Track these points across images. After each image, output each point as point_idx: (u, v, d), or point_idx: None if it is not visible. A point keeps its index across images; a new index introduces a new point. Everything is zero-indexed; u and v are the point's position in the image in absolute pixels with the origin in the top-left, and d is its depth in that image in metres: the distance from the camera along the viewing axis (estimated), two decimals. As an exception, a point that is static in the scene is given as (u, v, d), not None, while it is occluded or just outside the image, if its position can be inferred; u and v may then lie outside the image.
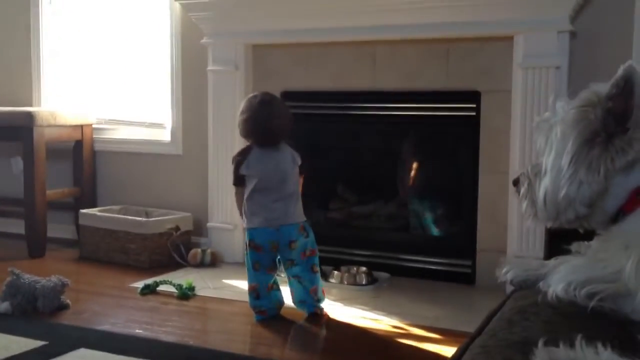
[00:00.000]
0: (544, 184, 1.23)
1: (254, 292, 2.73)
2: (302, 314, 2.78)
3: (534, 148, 1.31)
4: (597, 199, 1.19)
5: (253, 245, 2.70)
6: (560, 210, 1.21)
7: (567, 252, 1.29)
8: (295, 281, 2.77)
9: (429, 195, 3.55)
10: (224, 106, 3.59)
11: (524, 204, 1.30)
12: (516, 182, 1.34)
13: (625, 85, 1.14)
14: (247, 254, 2.74)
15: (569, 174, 1.18)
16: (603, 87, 1.18)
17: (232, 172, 2.81)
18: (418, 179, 3.63)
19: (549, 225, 1.27)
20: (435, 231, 3.51)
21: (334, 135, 3.69)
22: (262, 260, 2.70)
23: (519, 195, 1.32)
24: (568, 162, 1.18)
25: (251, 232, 2.71)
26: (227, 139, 3.59)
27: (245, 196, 2.75)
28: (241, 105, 2.81)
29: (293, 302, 2.80)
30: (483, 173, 3.19)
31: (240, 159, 2.77)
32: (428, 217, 3.52)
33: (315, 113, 3.53)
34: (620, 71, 1.15)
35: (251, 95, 2.84)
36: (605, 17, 2.98)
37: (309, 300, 2.78)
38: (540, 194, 1.24)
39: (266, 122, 2.72)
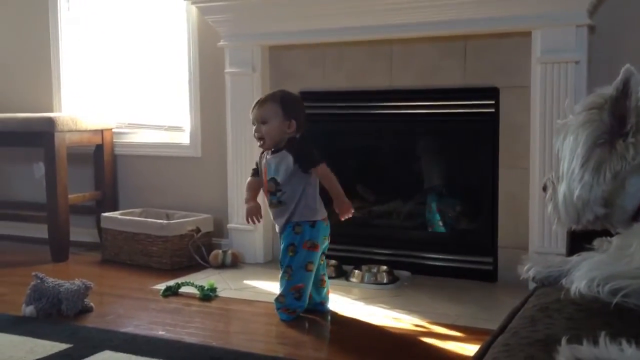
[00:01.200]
0: (562, 188, 1.25)
1: (296, 292, 2.72)
2: (322, 313, 2.80)
3: (554, 147, 1.32)
4: (614, 199, 1.19)
5: (311, 245, 2.72)
6: (580, 212, 1.23)
7: (590, 248, 1.28)
8: (319, 280, 2.80)
9: (449, 193, 3.53)
10: (242, 108, 3.60)
11: (549, 208, 1.32)
12: (545, 187, 1.36)
13: (624, 88, 1.16)
14: (295, 255, 2.72)
15: (579, 176, 1.21)
16: (608, 90, 1.20)
17: (312, 151, 2.76)
18: (437, 176, 3.61)
19: (573, 227, 1.29)
20: (455, 228, 3.49)
21: (352, 134, 3.69)
22: (315, 259, 2.74)
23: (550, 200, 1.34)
24: (579, 165, 1.21)
25: (311, 231, 2.73)
26: (245, 141, 3.60)
27: (308, 190, 2.75)
28: (278, 92, 2.86)
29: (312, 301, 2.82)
30: (503, 169, 3.17)
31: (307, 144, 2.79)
32: (448, 214, 3.51)
33: (333, 113, 3.54)
34: (620, 74, 1.17)
35: (281, 89, 2.93)
36: (624, 10, 2.96)
37: (327, 300, 2.84)
38: (560, 199, 1.26)
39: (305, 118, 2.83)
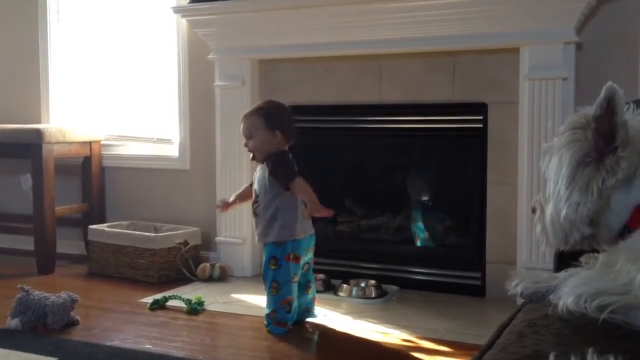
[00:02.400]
0: (549, 209, 1.26)
1: (287, 305, 2.73)
2: (307, 326, 2.81)
3: (540, 169, 1.33)
4: (599, 217, 1.21)
5: (294, 257, 2.72)
6: (567, 232, 1.24)
7: (577, 264, 1.29)
8: (305, 286, 2.82)
9: (437, 208, 3.54)
10: (231, 121, 3.60)
11: (538, 229, 1.33)
12: (534, 210, 1.37)
13: (608, 106, 1.17)
14: (279, 268, 2.72)
15: (566, 196, 1.22)
16: (590, 109, 1.21)
17: (287, 167, 2.73)
18: (426, 191, 3.62)
19: (561, 248, 1.29)
20: (443, 243, 3.50)
21: (340, 148, 3.70)
22: (298, 270, 2.75)
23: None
24: (565, 185, 1.22)
25: (293, 244, 2.73)
26: (234, 153, 3.60)
27: (288, 204, 2.74)
28: (264, 104, 2.87)
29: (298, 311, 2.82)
30: (491, 185, 3.19)
31: (288, 157, 2.79)
32: (437, 229, 3.51)
33: (322, 127, 3.55)
34: (602, 92, 1.18)
35: (269, 100, 2.95)
36: (611, 27, 2.99)
37: (312, 307, 2.87)
38: (548, 219, 1.27)
39: (294, 125, 2.84)
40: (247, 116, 2.84)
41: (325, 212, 2.70)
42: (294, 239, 2.73)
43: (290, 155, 2.81)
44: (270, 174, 2.74)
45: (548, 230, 1.28)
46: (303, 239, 2.76)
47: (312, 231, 2.83)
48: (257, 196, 2.80)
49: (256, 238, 2.86)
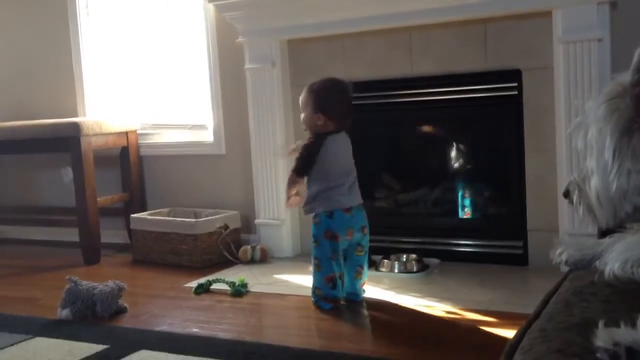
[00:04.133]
0: (594, 185, 1.22)
1: (329, 282, 2.75)
2: (351, 304, 2.83)
3: (574, 145, 1.28)
4: None
5: (331, 235, 2.73)
6: (617, 205, 1.20)
7: (622, 230, 1.26)
8: (354, 271, 2.82)
9: (475, 178, 3.51)
10: (264, 103, 3.62)
11: (580, 211, 1.28)
12: (567, 194, 1.32)
13: None
14: (318, 246, 2.76)
15: (616, 167, 1.17)
16: (625, 76, 1.17)
17: (299, 162, 2.79)
18: (463, 162, 3.59)
19: (611, 224, 1.24)
20: (483, 213, 3.48)
21: (374, 124, 3.68)
22: (338, 249, 2.76)
23: (572, 205, 1.31)
24: (612, 156, 1.17)
25: (327, 221, 2.74)
26: (268, 135, 3.62)
27: (318, 185, 2.77)
28: (319, 82, 2.83)
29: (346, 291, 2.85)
30: (529, 152, 3.15)
31: (317, 148, 2.77)
32: (476, 199, 3.49)
33: (355, 103, 3.52)
34: (635, 56, 1.14)
35: (329, 78, 2.89)
36: (646, -16, 2.91)
37: (360, 292, 2.86)
38: (593, 196, 1.22)
39: (351, 106, 2.83)
40: (304, 89, 2.86)
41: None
42: (328, 215, 2.74)
43: (321, 146, 2.77)
44: None
45: (595, 207, 1.23)
46: (339, 217, 2.74)
47: (351, 205, 2.78)
48: (350, 165, 2.85)
49: None
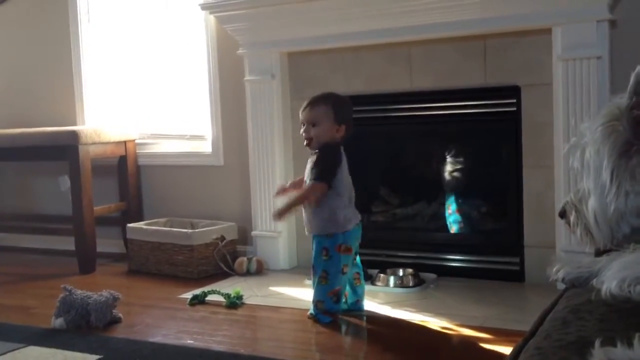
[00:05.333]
0: (591, 206, 1.22)
1: (334, 296, 2.75)
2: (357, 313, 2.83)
3: (570, 165, 1.29)
4: None
5: (345, 249, 2.74)
6: (614, 227, 1.20)
7: (619, 248, 1.26)
8: (352, 278, 2.84)
9: (473, 193, 3.51)
10: (263, 115, 3.62)
11: (578, 232, 1.28)
12: (563, 214, 1.32)
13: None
14: (329, 259, 2.74)
15: (614, 188, 1.17)
16: (622, 98, 1.18)
17: (328, 170, 2.73)
18: (461, 177, 3.59)
19: (608, 245, 1.24)
20: (480, 229, 3.47)
21: (373, 138, 3.68)
22: (349, 262, 2.77)
23: (569, 226, 1.31)
24: (609, 178, 1.18)
25: (343, 236, 2.74)
26: (267, 147, 3.62)
27: (339, 199, 2.75)
28: (331, 95, 2.84)
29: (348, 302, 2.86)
30: (527, 168, 3.15)
31: (340, 157, 2.78)
32: (473, 215, 3.49)
33: (354, 117, 3.52)
34: (632, 78, 1.15)
35: (332, 92, 2.91)
36: (646, 3, 2.92)
37: (362, 299, 2.88)
38: (591, 217, 1.23)
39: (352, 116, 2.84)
40: (314, 103, 2.80)
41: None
42: (342, 232, 2.74)
43: (341, 150, 2.80)
44: (315, 163, 2.75)
45: (592, 228, 1.23)
46: (352, 230, 2.77)
47: (359, 219, 2.82)
48: (350, 180, 2.83)
49: (306, 227, 2.86)
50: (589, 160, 1.21)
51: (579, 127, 1.26)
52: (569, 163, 1.29)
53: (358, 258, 2.88)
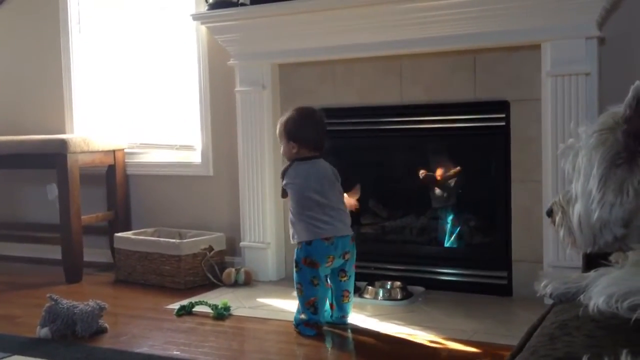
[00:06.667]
0: (577, 210, 1.24)
1: (311, 306, 2.75)
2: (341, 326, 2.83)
3: (561, 169, 1.31)
4: (633, 218, 1.18)
5: (309, 262, 2.74)
6: (597, 233, 1.22)
7: (606, 263, 1.27)
8: (341, 296, 2.84)
9: (461, 207, 3.52)
10: (253, 126, 3.62)
11: (561, 233, 1.30)
12: (550, 213, 1.34)
13: (637, 106, 1.15)
14: (299, 271, 2.77)
15: (598, 197, 1.19)
16: (618, 109, 1.19)
17: (282, 188, 2.91)
18: (450, 191, 3.60)
19: (589, 250, 1.26)
20: (469, 243, 3.48)
21: (363, 150, 3.69)
22: (319, 275, 2.76)
23: (554, 225, 1.32)
24: (597, 186, 1.19)
25: (307, 248, 2.76)
26: (257, 158, 3.61)
27: (294, 211, 2.81)
28: (288, 113, 2.91)
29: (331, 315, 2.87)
30: (515, 183, 3.16)
31: (282, 173, 2.89)
32: (461, 229, 3.49)
33: (343, 129, 3.54)
34: (630, 92, 1.16)
35: (297, 107, 2.95)
36: (634, 21, 2.95)
37: (347, 315, 2.88)
38: (575, 220, 1.24)
39: (323, 131, 2.89)
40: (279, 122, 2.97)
41: None
42: (307, 243, 2.76)
43: (294, 169, 2.85)
44: None
45: (575, 232, 1.25)
46: (318, 245, 2.75)
47: (334, 235, 2.77)
48: (328, 193, 2.86)
49: None
50: (580, 164, 1.22)
51: (576, 130, 1.27)
52: (561, 164, 1.30)
53: (352, 278, 2.87)
